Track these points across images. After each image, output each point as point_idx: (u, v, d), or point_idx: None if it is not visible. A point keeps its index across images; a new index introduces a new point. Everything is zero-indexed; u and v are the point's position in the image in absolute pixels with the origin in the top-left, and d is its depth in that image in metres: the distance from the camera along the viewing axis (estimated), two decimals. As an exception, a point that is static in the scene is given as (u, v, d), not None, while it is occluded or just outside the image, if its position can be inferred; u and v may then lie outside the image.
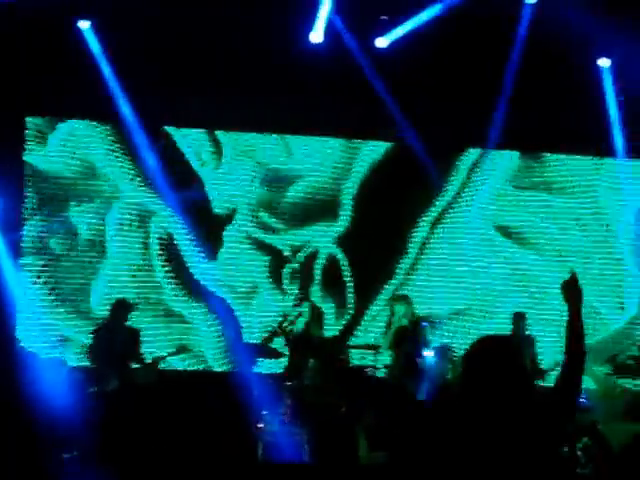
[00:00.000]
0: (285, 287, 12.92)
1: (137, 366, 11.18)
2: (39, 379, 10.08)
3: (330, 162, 13.16)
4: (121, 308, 11.36)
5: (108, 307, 11.72)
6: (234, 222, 12.92)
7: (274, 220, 13.02)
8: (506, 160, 13.39)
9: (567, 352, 4.07)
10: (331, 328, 12.56)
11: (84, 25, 11.65)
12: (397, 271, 13.04)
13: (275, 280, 12.93)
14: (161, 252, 12.73)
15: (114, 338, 11.05)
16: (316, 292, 12.91)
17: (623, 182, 13.28)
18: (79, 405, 9.92)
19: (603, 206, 13.39)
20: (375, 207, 13.06)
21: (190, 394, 11.45)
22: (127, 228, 12.72)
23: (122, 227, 12.71)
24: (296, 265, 12.97)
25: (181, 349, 12.39)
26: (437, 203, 13.23)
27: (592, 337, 12.69)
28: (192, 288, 12.75)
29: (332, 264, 13.02)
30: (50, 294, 12.41)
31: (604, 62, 12.41)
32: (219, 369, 12.70)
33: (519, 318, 11.99)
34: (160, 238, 12.75)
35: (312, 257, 13.02)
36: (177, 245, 12.78)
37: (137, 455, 9.36)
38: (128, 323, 11.39)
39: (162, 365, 11.74)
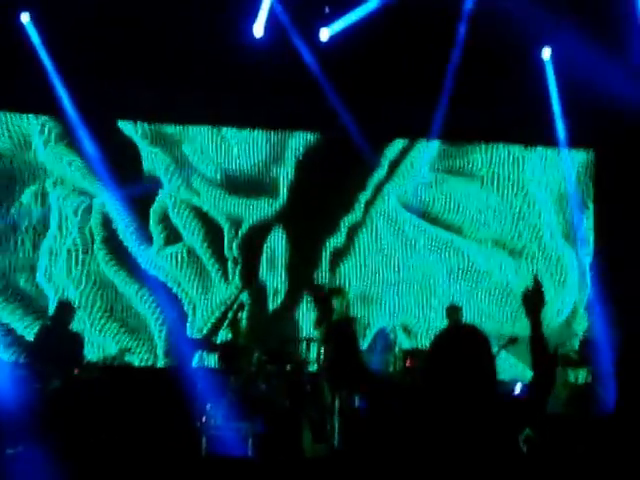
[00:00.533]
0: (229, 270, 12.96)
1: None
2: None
3: (264, 152, 13.16)
4: (64, 310, 11.29)
5: (52, 308, 11.66)
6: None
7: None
8: (431, 149, 13.43)
9: (535, 366, 4.04)
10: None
11: (24, 18, 11.51)
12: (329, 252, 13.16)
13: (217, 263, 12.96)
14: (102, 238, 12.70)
15: (58, 342, 10.95)
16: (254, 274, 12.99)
17: (551, 170, 13.44)
18: (23, 401, 9.92)
19: (533, 194, 13.50)
20: (310, 192, 13.13)
21: (133, 389, 11.45)
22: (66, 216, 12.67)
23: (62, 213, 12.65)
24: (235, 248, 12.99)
25: (124, 350, 12.40)
26: (368, 189, 13.31)
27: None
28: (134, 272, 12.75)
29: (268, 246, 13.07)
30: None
31: (545, 52, 12.48)
32: (162, 363, 12.67)
33: (454, 311, 11.98)
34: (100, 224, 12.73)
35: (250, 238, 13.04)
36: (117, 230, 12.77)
37: (81, 449, 9.38)
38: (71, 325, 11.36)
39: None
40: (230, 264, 12.96)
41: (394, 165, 13.34)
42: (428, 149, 13.33)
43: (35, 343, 11.23)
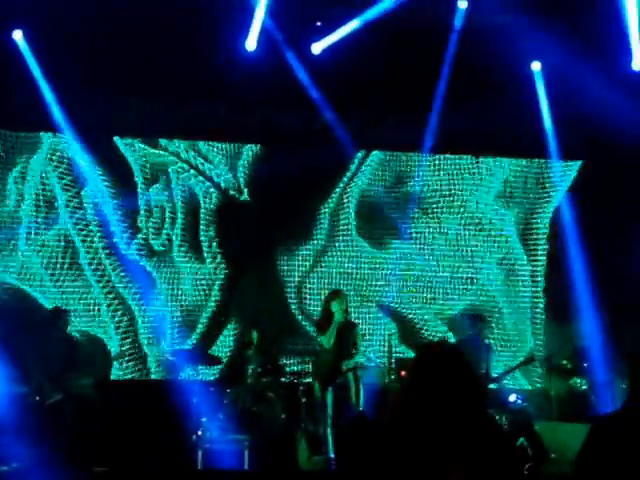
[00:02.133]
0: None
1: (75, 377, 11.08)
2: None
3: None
4: (57, 318, 11.27)
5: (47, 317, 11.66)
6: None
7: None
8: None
9: None
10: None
11: (17, 35, 11.54)
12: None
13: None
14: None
15: (53, 349, 10.93)
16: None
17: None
18: (18, 417, 9.89)
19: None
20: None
21: (128, 402, 11.45)
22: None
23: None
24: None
25: (120, 355, 12.37)
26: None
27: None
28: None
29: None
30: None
31: (535, 66, 12.59)
32: (157, 376, 12.65)
33: (479, 320, 11.94)
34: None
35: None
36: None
37: (79, 464, 9.36)
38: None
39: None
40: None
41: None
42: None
43: (30, 354, 11.20)
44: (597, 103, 11.61)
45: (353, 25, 11.43)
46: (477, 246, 13.48)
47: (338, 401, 10.43)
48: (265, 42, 11.51)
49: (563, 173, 13.54)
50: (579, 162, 13.47)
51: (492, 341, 12.33)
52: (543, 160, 13.54)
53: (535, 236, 13.58)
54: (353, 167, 13.38)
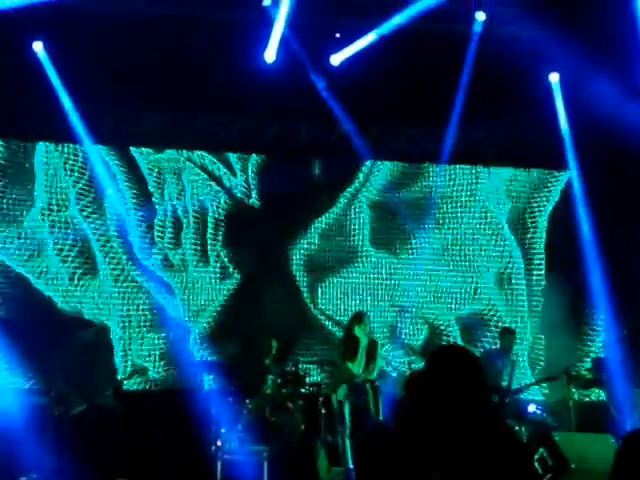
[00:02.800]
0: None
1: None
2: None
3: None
4: (80, 329, 11.33)
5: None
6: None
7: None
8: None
9: None
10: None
11: (37, 47, 11.61)
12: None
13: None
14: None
15: (76, 360, 10.98)
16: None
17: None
18: (39, 428, 9.92)
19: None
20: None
21: (149, 412, 11.46)
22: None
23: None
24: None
25: (138, 370, 12.37)
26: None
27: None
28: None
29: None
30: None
31: (553, 77, 12.60)
32: (176, 386, 12.66)
33: (507, 332, 11.93)
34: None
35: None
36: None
37: (99, 475, 9.38)
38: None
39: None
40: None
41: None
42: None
43: (52, 365, 11.24)
44: (615, 113, 11.62)
45: (372, 37, 11.47)
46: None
47: (357, 412, 10.44)
48: (284, 54, 11.56)
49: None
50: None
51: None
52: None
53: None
54: (362, 176, 13.39)
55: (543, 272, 13.52)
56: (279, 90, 11.41)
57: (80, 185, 12.70)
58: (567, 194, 13.37)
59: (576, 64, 11.64)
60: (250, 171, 13.15)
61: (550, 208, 13.58)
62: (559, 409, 11.54)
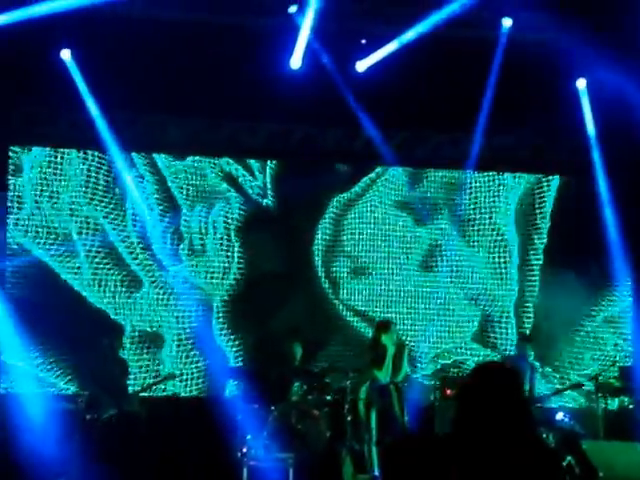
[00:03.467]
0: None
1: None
2: (23, 417, 10.15)
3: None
4: (118, 337, 11.40)
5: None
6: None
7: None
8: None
9: None
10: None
11: (65, 55, 11.67)
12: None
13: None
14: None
15: (109, 366, 11.01)
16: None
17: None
18: (71, 433, 9.96)
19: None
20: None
21: (173, 419, 11.48)
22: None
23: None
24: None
25: (168, 376, 12.37)
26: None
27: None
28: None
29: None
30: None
31: (581, 83, 12.54)
32: (202, 394, 12.67)
33: (525, 340, 11.95)
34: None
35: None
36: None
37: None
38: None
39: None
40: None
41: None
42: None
43: (85, 371, 11.29)
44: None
45: (397, 43, 11.45)
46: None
47: (383, 417, 10.42)
48: (310, 60, 11.56)
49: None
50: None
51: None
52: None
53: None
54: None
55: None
56: (305, 96, 11.41)
57: (102, 191, 12.79)
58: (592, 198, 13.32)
59: (604, 69, 11.59)
60: (271, 175, 13.17)
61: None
62: (587, 417, 11.48)
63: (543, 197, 13.58)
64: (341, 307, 13.13)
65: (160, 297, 12.75)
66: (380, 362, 10.71)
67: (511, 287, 13.42)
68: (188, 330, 12.72)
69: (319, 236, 13.21)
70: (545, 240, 13.50)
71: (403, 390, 10.83)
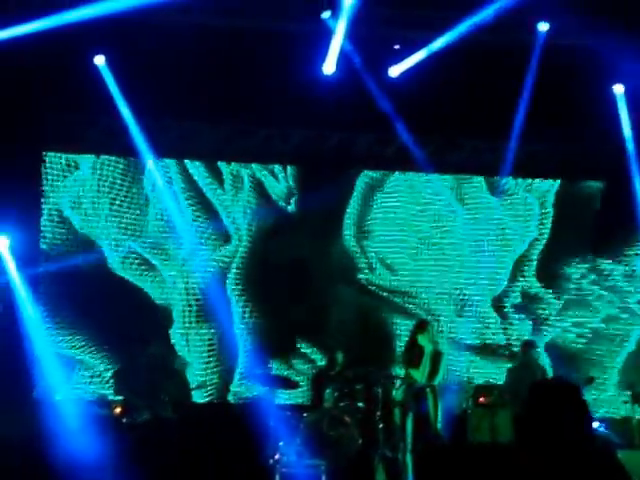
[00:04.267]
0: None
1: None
2: (58, 423, 10.18)
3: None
4: (149, 341, 11.44)
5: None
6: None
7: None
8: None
9: None
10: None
11: (99, 61, 11.71)
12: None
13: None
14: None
15: (154, 375, 11.05)
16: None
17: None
18: (105, 439, 9.97)
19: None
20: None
21: (206, 425, 11.46)
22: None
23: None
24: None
25: (201, 385, 12.38)
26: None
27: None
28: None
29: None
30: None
31: (618, 88, 12.42)
32: (235, 400, 12.68)
33: (530, 347, 11.87)
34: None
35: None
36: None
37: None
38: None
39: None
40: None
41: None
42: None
43: (120, 375, 11.30)
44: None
45: (431, 48, 11.39)
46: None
47: (419, 425, 10.38)
48: (343, 65, 11.53)
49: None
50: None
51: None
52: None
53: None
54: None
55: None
56: (337, 102, 11.40)
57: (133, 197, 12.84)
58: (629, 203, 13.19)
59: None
60: (298, 180, 13.20)
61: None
62: (623, 427, 11.36)
63: (579, 202, 13.48)
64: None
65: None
66: (416, 362, 10.72)
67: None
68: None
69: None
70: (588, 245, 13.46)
71: (438, 393, 10.78)
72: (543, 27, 11.49)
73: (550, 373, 11.77)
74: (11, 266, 11.60)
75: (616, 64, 11.39)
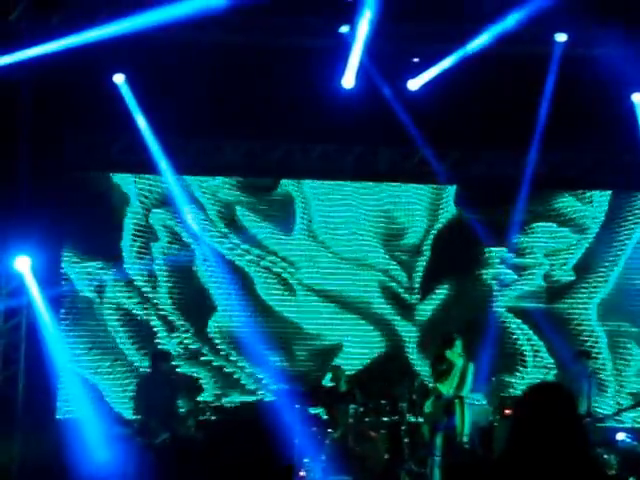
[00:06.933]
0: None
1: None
2: (80, 443, 10.18)
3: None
4: (159, 359, 11.35)
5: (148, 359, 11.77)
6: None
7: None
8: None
9: None
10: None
11: (119, 79, 11.74)
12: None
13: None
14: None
15: (158, 390, 10.96)
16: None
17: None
18: (123, 459, 9.95)
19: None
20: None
21: (230, 442, 11.40)
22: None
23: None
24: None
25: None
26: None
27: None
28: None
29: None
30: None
31: (637, 97, 12.37)
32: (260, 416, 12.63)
33: (584, 356, 11.83)
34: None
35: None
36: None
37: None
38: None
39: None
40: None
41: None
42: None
43: (136, 395, 11.27)
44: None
45: (450, 61, 11.38)
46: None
47: (447, 438, 10.35)
48: (362, 79, 11.53)
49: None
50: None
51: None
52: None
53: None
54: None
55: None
56: (357, 116, 11.39)
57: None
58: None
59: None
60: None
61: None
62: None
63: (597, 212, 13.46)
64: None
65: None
66: (445, 376, 10.67)
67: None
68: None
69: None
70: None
71: (466, 405, 10.72)
72: (561, 38, 11.46)
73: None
74: (33, 286, 11.61)
75: (634, 73, 11.35)
